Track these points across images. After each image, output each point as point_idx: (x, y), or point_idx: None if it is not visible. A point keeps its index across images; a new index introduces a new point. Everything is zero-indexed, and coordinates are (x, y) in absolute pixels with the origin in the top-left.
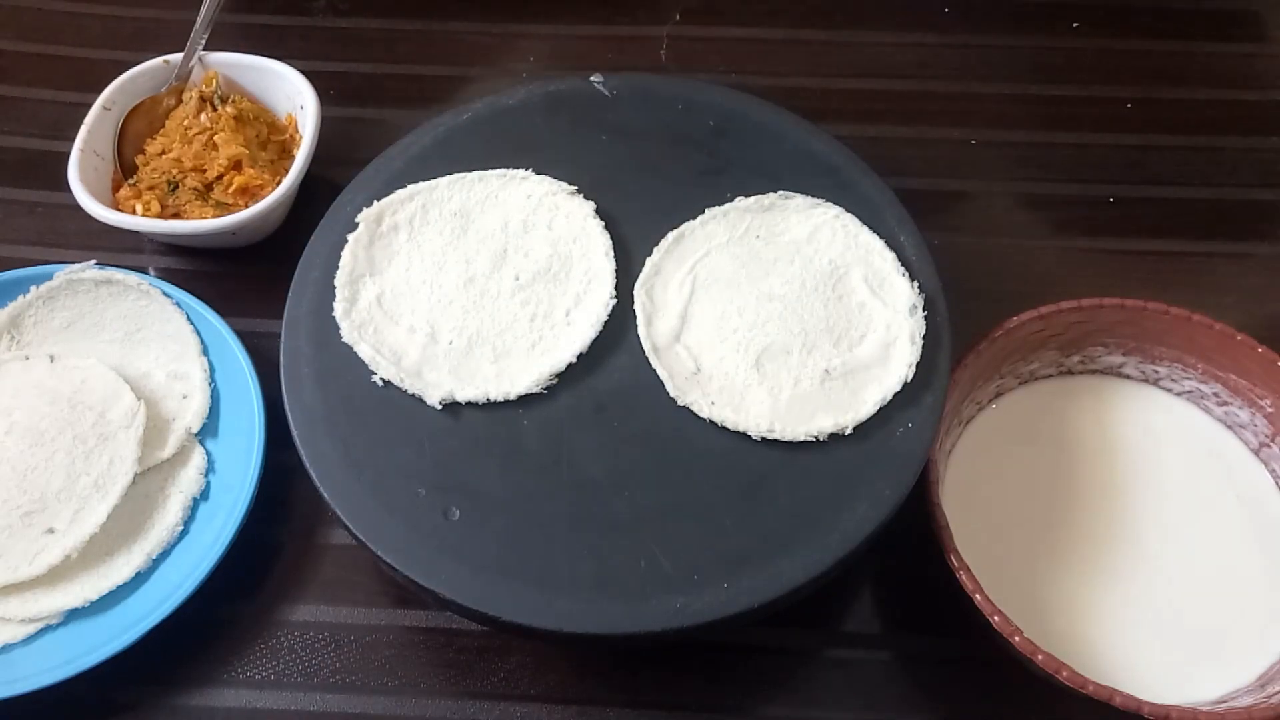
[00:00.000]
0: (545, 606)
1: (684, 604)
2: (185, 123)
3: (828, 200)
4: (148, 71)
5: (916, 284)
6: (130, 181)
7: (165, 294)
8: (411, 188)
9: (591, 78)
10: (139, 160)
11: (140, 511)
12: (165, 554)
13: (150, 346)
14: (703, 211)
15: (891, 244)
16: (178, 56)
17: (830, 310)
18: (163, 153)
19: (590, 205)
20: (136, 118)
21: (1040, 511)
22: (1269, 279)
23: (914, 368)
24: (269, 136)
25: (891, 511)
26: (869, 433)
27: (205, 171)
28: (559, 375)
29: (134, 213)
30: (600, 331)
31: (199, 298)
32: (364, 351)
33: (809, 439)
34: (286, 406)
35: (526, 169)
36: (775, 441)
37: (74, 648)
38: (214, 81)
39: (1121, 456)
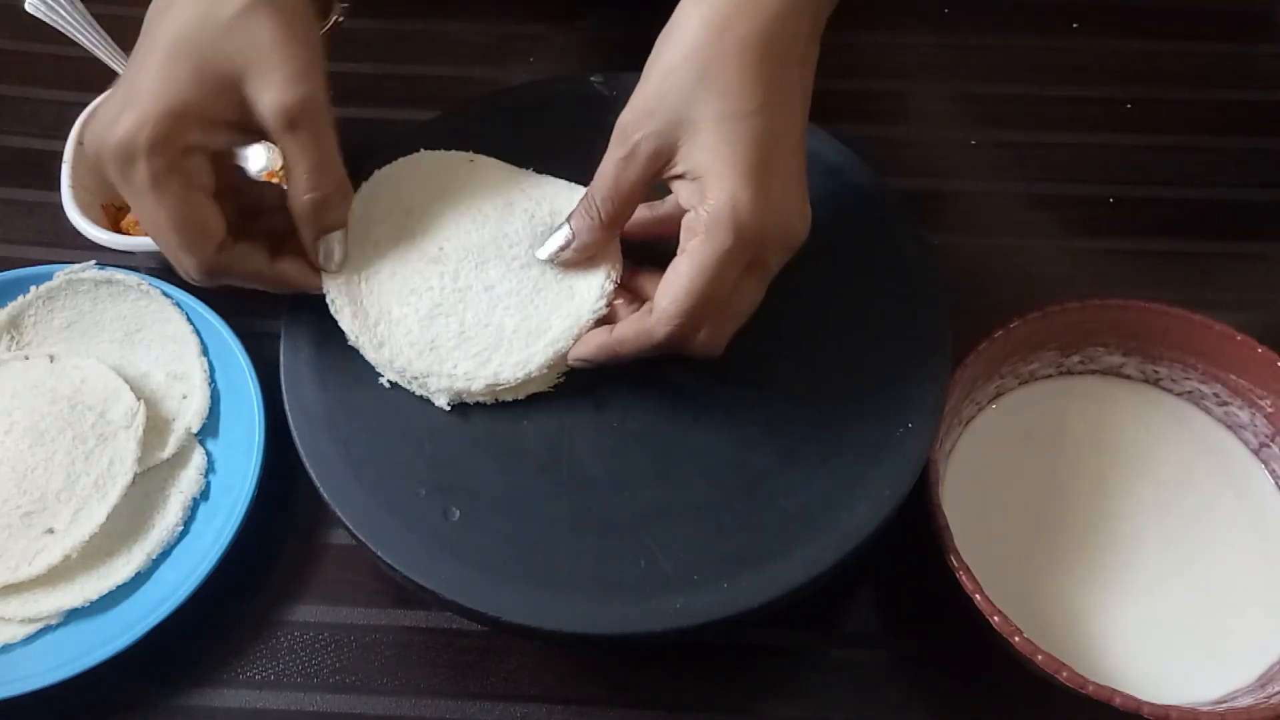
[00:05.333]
0: (545, 606)
1: (684, 604)
2: None
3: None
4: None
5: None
6: None
7: (165, 294)
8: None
9: (591, 78)
10: None
11: (140, 511)
12: (165, 554)
13: (150, 346)
14: None
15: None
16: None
17: None
18: None
19: None
20: None
21: (1040, 511)
22: (1269, 279)
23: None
24: None
25: (891, 511)
26: (869, 433)
27: None
28: (565, 374)
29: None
30: None
31: (199, 298)
32: (370, 355)
33: (809, 439)
34: (286, 407)
35: (528, 169)
36: (775, 442)
37: (74, 648)
38: None
39: (1121, 456)
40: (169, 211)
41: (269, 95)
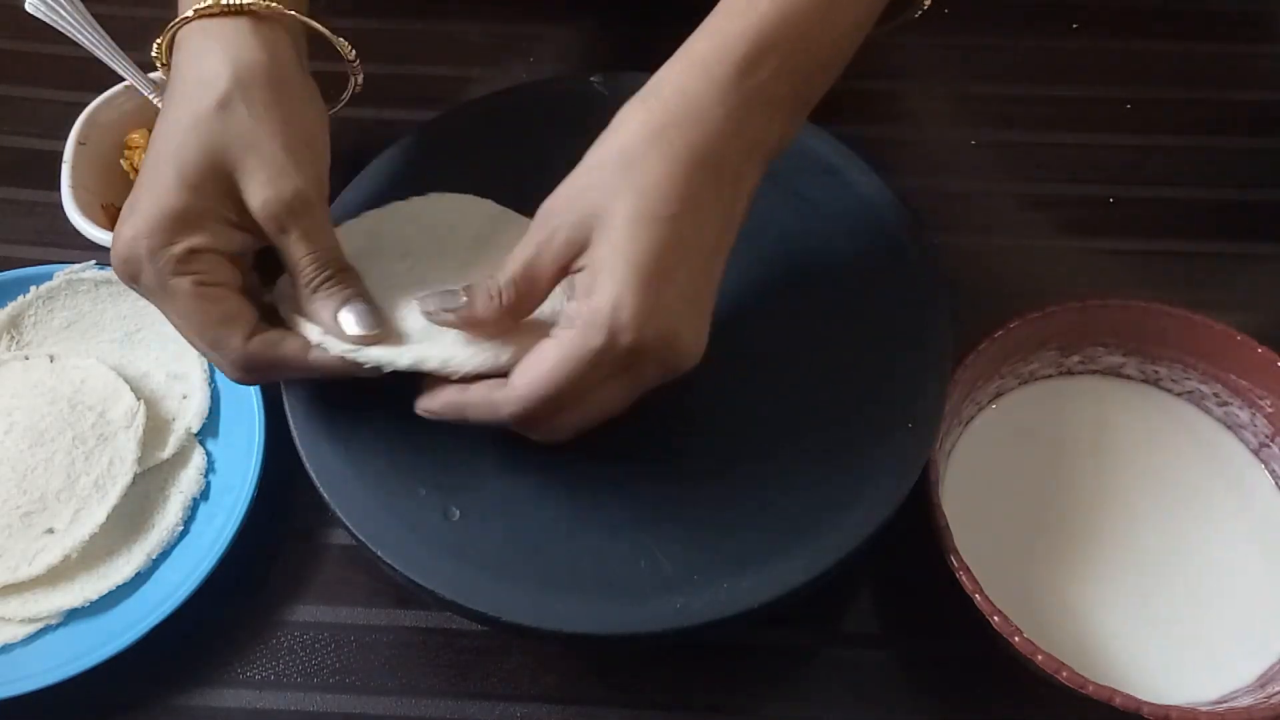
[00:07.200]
0: (545, 606)
1: (684, 604)
2: None
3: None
4: (113, 100)
5: None
6: None
7: None
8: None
9: (591, 78)
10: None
11: (140, 511)
12: (165, 554)
13: (150, 346)
14: None
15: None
16: (134, 82)
17: None
18: None
19: None
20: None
21: (1040, 511)
22: (1269, 279)
23: None
24: None
25: (891, 511)
26: (869, 433)
27: None
28: None
29: None
30: None
31: None
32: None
33: (809, 439)
34: (286, 406)
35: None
36: (775, 441)
37: (74, 648)
38: None
39: (1121, 456)
40: (181, 314)
41: (254, 199)
